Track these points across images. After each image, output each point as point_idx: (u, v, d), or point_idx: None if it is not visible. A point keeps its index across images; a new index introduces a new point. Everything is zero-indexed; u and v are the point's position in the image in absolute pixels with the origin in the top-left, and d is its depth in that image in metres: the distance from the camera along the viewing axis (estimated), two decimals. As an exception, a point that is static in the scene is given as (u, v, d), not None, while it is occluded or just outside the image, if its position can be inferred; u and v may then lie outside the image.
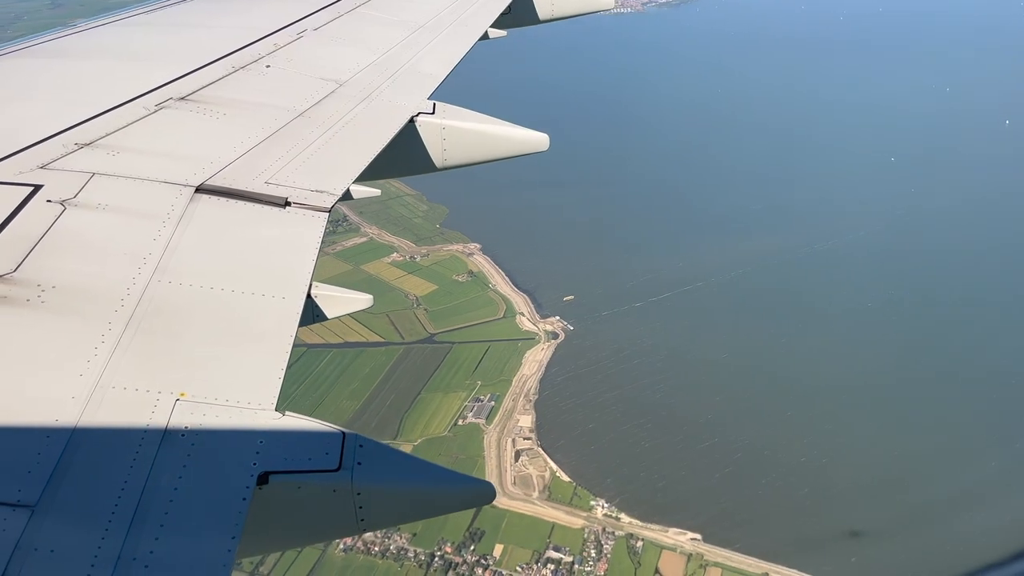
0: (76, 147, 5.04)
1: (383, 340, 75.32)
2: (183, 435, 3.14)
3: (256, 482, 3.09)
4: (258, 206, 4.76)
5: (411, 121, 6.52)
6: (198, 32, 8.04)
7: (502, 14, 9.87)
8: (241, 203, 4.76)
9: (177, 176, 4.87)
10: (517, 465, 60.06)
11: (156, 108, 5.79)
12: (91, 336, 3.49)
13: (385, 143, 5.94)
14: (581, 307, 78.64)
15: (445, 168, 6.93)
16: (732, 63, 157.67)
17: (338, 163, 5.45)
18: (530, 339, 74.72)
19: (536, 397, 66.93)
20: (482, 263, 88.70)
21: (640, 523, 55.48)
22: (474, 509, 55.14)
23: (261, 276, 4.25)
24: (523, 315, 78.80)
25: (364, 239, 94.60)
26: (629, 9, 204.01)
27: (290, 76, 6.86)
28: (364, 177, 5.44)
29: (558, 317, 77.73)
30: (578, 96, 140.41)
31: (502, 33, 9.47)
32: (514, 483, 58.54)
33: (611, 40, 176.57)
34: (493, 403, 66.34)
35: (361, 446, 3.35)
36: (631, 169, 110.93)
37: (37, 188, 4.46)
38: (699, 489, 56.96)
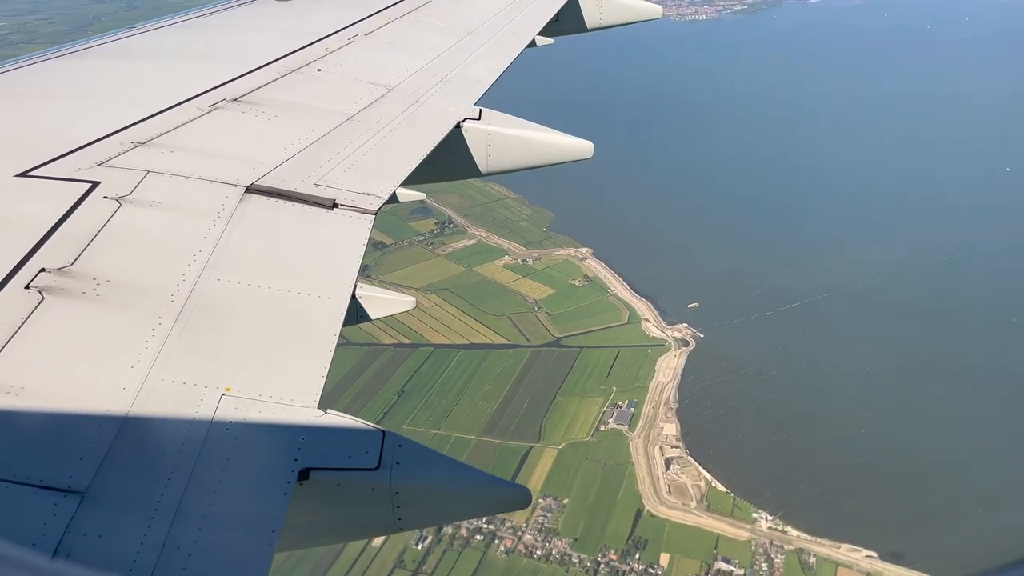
0: (133, 145, 5.16)
1: (509, 342, 76.13)
2: (227, 429, 3.22)
3: (297, 478, 3.13)
4: (306, 207, 4.84)
5: (457, 126, 6.59)
6: (252, 35, 8.17)
7: (550, 22, 9.89)
8: (290, 204, 4.84)
9: (228, 176, 4.97)
10: (669, 474, 59.76)
11: (210, 109, 5.90)
12: (142, 330, 3.59)
13: (431, 148, 6.00)
14: (708, 315, 77.96)
15: (489, 174, 6.96)
16: (823, 68, 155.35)
17: (385, 166, 5.53)
18: (660, 346, 74.48)
19: (677, 405, 66.53)
20: (596, 267, 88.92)
21: (809, 537, 54.34)
22: (632, 517, 55.18)
23: (307, 276, 4.34)
24: (648, 321, 78.62)
25: (473, 241, 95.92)
26: (704, 17, 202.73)
27: (340, 80, 6.93)
28: (410, 181, 5.51)
29: (686, 324, 77.35)
30: (670, 103, 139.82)
31: (549, 41, 9.49)
32: (669, 492, 58.21)
33: (690, 47, 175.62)
34: (632, 410, 66.21)
35: (400, 446, 3.39)
36: (736, 176, 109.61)
37: (95, 185, 4.59)
38: (865, 504, 55.54)
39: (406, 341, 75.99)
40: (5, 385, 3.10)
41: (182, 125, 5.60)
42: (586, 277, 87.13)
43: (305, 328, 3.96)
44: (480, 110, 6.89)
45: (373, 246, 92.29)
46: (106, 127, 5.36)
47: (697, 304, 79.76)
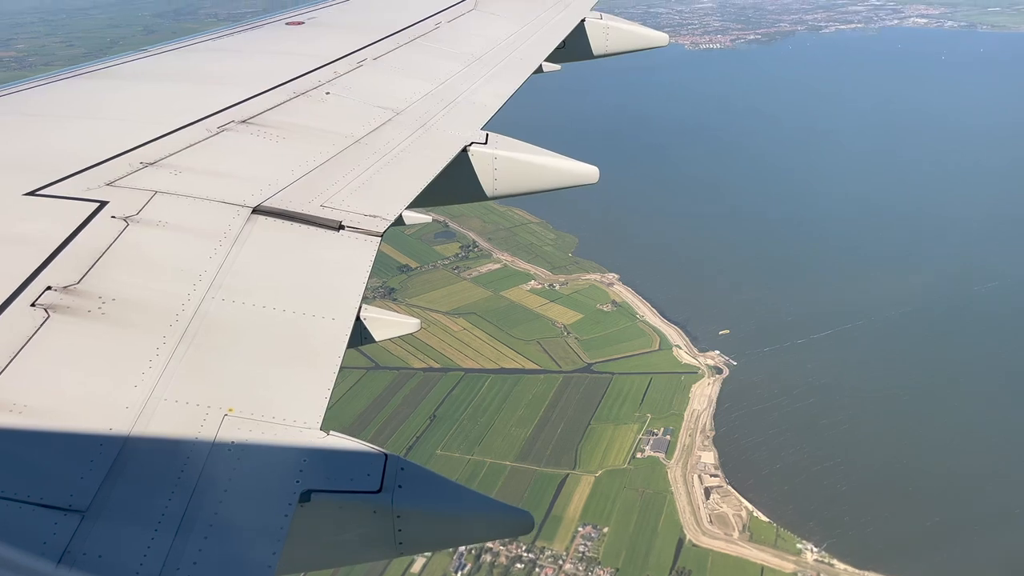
0: (141, 166, 5.20)
1: (539, 367, 75.72)
2: (229, 450, 3.21)
3: (298, 500, 3.12)
4: (313, 228, 4.87)
5: (464, 150, 6.63)
6: (262, 59, 8.25)
7: (556, 48, 9.97)
8: (296, 225, 4.87)
9: (235, 197, 4.99)
10: (709, 503, 58.87)
11: (218, 130, 5.94)
12: (147, 348, 3.59)
13: (438, 171, 6.04)
14: (739, 342, 77.39)
15: (495, 197, 7.01)
16: (839, 96, 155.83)
17: (392, 189, 5.56)
18: (693, 373, 73.78)
19: (713, 433, 65.77)
20: (624, 293, 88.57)
21: (856, 570, 53.24)
22: (674, 547, 54.41)
23: (313, 297, 4.34)
24: (680, 348, 78.01)
25: (498, 265, 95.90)
26: (718, 46, 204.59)
27: (349, 103, 7.00)
28: (417, 203, 5.53)
29: (718, 351, 76.63)
30: (690, 130, 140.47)
31: (556, 67, 9.54)
32: (711, 521, 57.35)
33: (707, 74, 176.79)
34: (669, 437, 65.56)
35: (403, 469, 3.37)
36: (758, 201, 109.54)
37: (103, 204, 4.62)
38: (912, 536, 54.54)
39: (436, 365, 75.82)
40: (8, 403, 3.11)
41: (191, 146, 5.64)
42: (614, 302, 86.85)
43: (309, 349, 3.96)
44: (487, 134, 6.93)
45: (398, 269, 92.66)
46: (115, 147, 5.42)
47: (728, 331, 79.20)
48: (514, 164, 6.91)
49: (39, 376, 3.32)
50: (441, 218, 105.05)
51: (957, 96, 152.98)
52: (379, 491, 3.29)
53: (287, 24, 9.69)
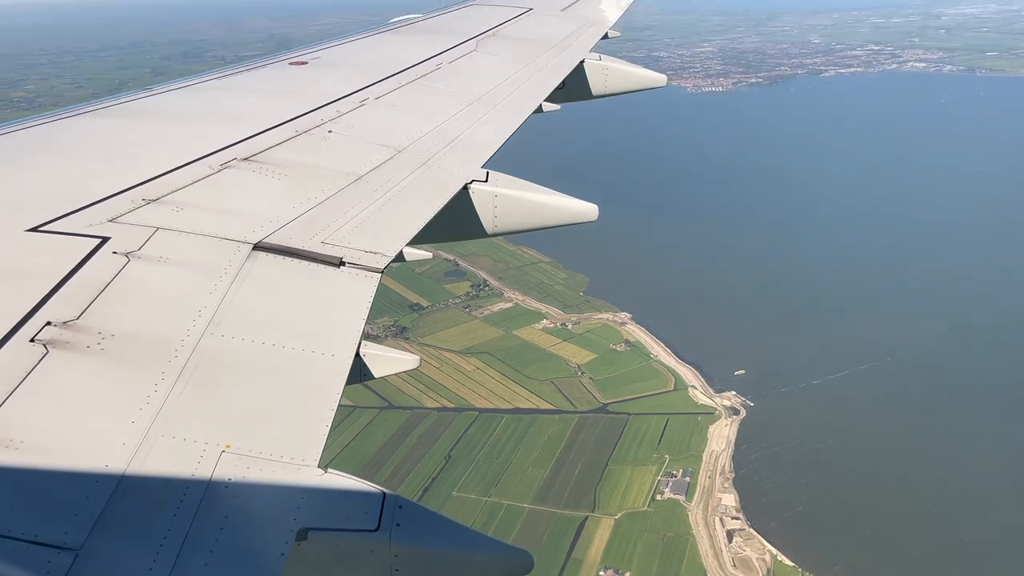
0: (143, 202, 5.23)
1: (554, 408, 75.15)
2: (226, 487, 3.19)
3: (295, 538, 3.10)
4: (313, 265, 4.89)
5: (464, 188, 6.68)
6: (265, 97, 8.36)
7: (556, 89, 10.11)
8: (297, 261, 4.89)
9: (236, 233, 5.02)
10: (732, 546, 57.86)
11: (221, 167, 5.99)
12: (145, 385, 3.58)
13: (439, 208, 6.09)
14: (755, 382, 76.93)
15: (495, 234, 7.06)
16: (842, 139, 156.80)
17: (393, 226, 5.59)
18: (709, 414, 73.19)
19: (733, 475, 65.00)
20: (637, 332, 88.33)
21: None
22: None
23: (312, 333, 4.33)
24: (695, 388, 77.45)
25: (509, 304, 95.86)
26: (720, 88, 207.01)
27: (351, 141, 7.07)
28: (417, 240, 5.56)
29: (734, 392, 76.10)
30: (696, 170, 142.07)
31: (556, 107, 9.67)
32: (734, 565, 56.41)
33: (710, 116, 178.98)
34: (688, 479, 64.80)
35: (401, 507, 3.34)
36: (767, 241, 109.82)
37: (105, 240, 4.65)
38: None
39: (450, 405, 75.35)
40: (4, 439, 3.09)
41: (193, 183, 5.68)
42: (627, 342, 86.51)
43: (308, 386, 3.95)
44: (487, 172, 6.99)
45: (409, 307, 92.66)
46: (118, 184, 5.46)
47: (743, 371, 78.75)
48: (514, 201, 6.97)
49: (36, 412, 3.30)
50: (451, 257, 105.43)
51: (960, 140, 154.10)
52: (376, 529, 3.25)
53: (290, 64, 9.81)
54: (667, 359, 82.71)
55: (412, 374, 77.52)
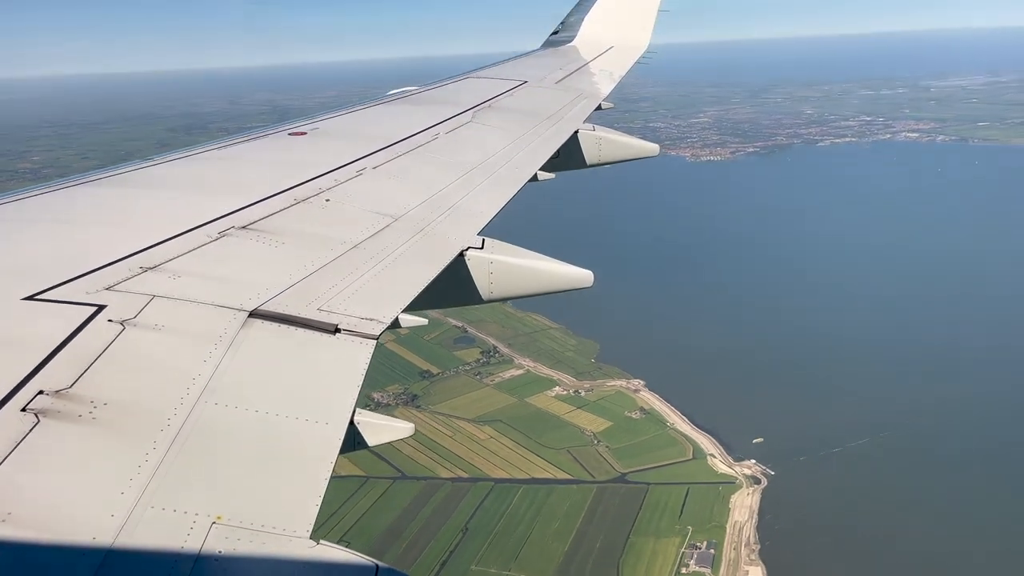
0: (141, 270, 5.25)
1: (572, 478, 73.90)
2: (216, 560, 3.12)
3: None
4: (309, 332, 4.86)
5: (460, 255, 6.74)
6: (264, 167, 8.44)
7: (551, 158, 10.27)
8: (292, 328, 4.87)
9: (232, 301, 5.02)
10: (763, 621, 55.80)
11: (218, 236, 6.03)
12: (136, 454, 3.54)
13: (435, 275, 6.12)
14: (774, 450, 76.05)
15: (491, 300, 7.08)
16: (851, 205, 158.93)
17: (389, 293, 5.60)
18: (730, 483, 72.09)
19: (758, 546, 63.47)
20: (651, 400, 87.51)
21: None
22: None
23: (306, 401, 4.30)
24: (714, 456, 76.50)
25: (521, 371, 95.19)
26: (718, 158, 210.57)
27: (348, 210, 7.13)
28: (413, 307, 5.57)
29: (753, 460, 75.18)
30: (700, 237, 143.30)
31: (551, 176, 9.82)
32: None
33: (709, 185, 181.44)
34: (713, 551, 63.26)
35: None
36: (776, 307, 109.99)
37: (101, 308, 4.65)
38: None
39: (464, 475, 74.18)
40: None
41: (191, 251, 5.72)
42: (642, 409, 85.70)
43: (301, 455, 3.91)
44: (483, 239, 7.06)
45: (420, 375, 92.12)
46: (116, 252, 5.49)
47: (761, 439, 77.87)
48: (510, 268, 7.03)
49: (24, 483, 3.26)
50: (459, 323, 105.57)
51: (961, 209, 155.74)
52: None
53: (289, 134, 9.95)
54: (683, 427, 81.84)
55: (425, 443, 76.76)
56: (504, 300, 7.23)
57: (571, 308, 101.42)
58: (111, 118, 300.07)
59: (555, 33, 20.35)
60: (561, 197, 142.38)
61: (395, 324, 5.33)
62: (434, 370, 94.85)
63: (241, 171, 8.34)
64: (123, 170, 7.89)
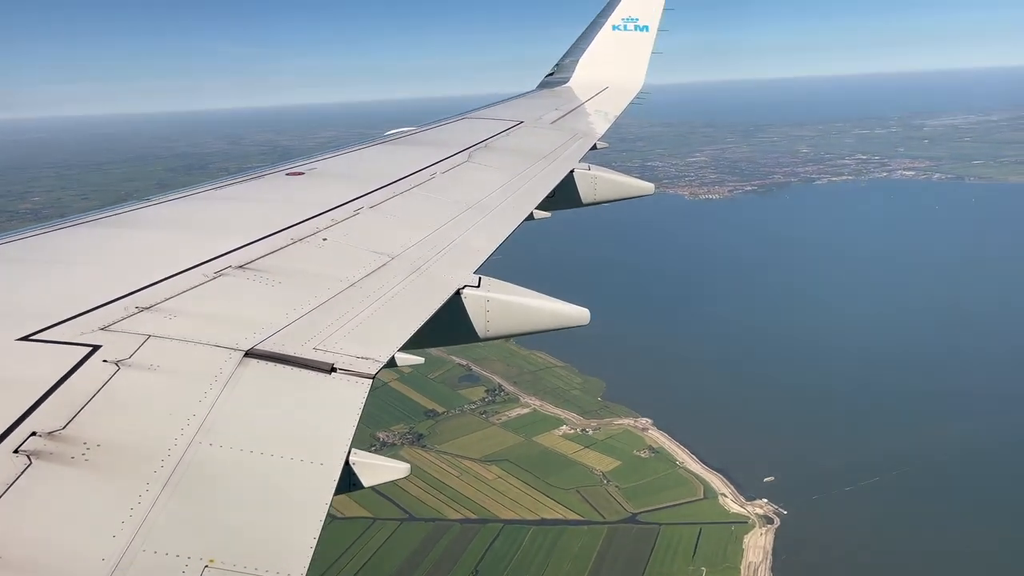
0: (137, 310, 5.23)
1: (582, 518, 72.65)
2: None
3: None
4: (304, 371, 4.85)
5: (457, 293, 6.74)
6: (262, 206, 8.48)
7: (547, 197, 10.36)
8: (288, 368, 4.85)
9: (228, 340, 5.00)
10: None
11: (215, 275, 6.03)
12: (128, 496, 3.51)
13: (431, 313, 6.10)
14: (786, 489, 75.18)
15: (487, 338, 7.07)
16: (853, 242, 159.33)
17: (385, 331, 5.59)
18: (743, 523, 71.00)
19: None
20: (659, 438, 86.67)
21: None
22: None
23: (302, 441, 4.27)
24: (726, 496, 75.43)
25: (527, 410, 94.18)
26: (717, 196, 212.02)
27: (345, 249, 7.15)
28: (410, 345, 5.55)
29: (766, 500, 74.22)
30: (703, 274, 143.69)
31: (546, 214, 9.92)
32: None
33: (710, 223, 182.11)
34: None
35: None
36: (782, 344, 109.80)
37: (95, 348, 4.63)
38: None
39: (473, 516, 73.03)
40: None
41: (187, 290, 5.71)
42: (651, 448, 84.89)
43: (296, 496, 3.88)
44: (479, 278, 7.07)
45: (425, 414, 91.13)
46: (112, 292, 5.48)
47: (773, 478, 77.14)
48: (506, 306, 7.02)
49: (16, 526, 3.23)
50: (464, 362, 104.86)
51: (962, 245, 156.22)
52: None
53: (287, 174, 10.00)
54: (693, 466, 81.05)
55: (432, 483, 75.83)
56: (501, 338, 7.22)
57: (576, 346, 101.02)
58: (111, 159, 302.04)
59: (550, 75, 20.61)
60: (565, 236, 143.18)
61: (391, 363, 5.31)
62: (439, 409, 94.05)
63: (239, 211, 8.37)
64: (120, 210, 7.93)
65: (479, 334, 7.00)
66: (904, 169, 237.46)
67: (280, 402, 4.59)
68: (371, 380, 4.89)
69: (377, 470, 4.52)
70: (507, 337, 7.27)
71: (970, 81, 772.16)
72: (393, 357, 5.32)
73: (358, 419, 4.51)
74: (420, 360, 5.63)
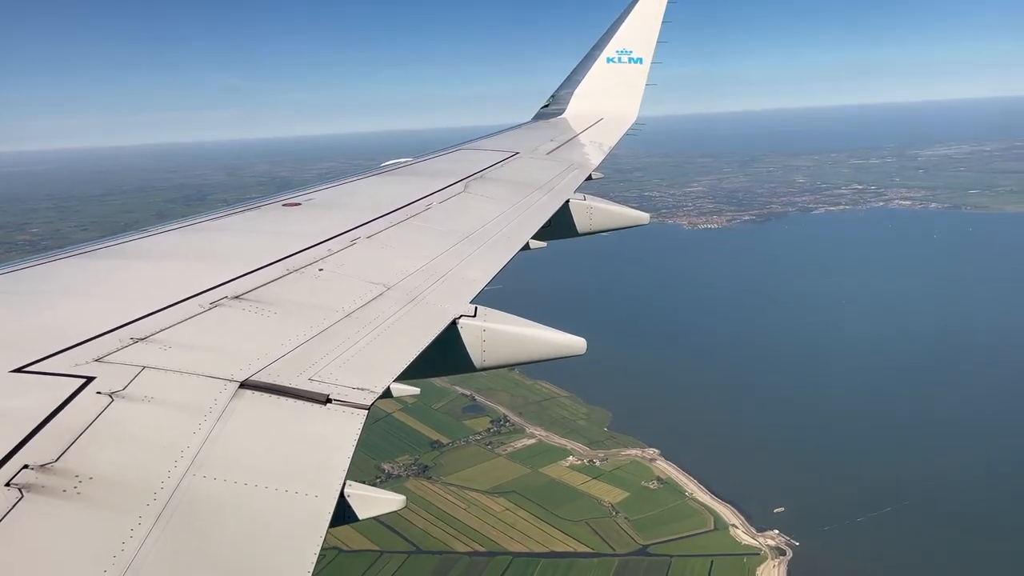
0: (131, 341, 5.20)
1: (592, 551, 71.96)
2: None
3: None
4: (299, 402, 4.81)
5: (453, 323, 6.71)
6: (258, 237, 8.47)
7: (543, 227, 10.41)
8: (283, 399, 4.81)
9: (223, 371, 4.97)
10: None
11: (211, 306, 6.00)
12: (120, 530, 3.47)
13: (427, 344, 6.07)
14: (797, 520, 74.58)
15: (484, 368, 7.04)
16: (856, 270, 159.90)
17: (380, 362, 5.56)
18: (755, 555, 70.57)
19: None
20: (668, 469, 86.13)
21: None
22: None
23: (296, 473, 4.23)
24: (736, 527, 74.89)
25: (533, 441, 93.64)
26: (715, 225, 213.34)
27: (341, 279, 7.13)
28: (405, 376, 5.51)
29: (777, 531, 73.68)
30: (706, 303, 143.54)
31: (542, 244, 9.96)
32: None
33: (714, 252, 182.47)
34: None
35: None
36: (784, 373, 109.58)
37: (89, 380, 4.60)
38: None
39: (481, 549, 72.18)
40: None
41: (182, 321, 5.67)
42: (659, 479, 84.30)
43: (290, 529, 3.84)
44: (476, 307, 7.05)
45: (430, 445, 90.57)
46: (107, 323, 5.45)
47: (783, 509, 76.59)
48: (502, 336, 7.00)
49: (6, 560, 3.18)
50: (468, 392, 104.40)
51: (963, 273, 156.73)
52: None
53: (284, 205, 10.03)
54: (702, 496, 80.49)
55: (439, 515, 75.02)
56: (498, 368, 7.19)
57: (581, 375, 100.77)
58: (110, 190, 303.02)
59: (546, 106, 20.79)
60: (568, 266, 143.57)
61: (387, 393, 5.28)
62: (444, 440, 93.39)
63: (235, 241, 8.36)
64: (115, 241, 7.92)
65: (475, 364, 6.97)
66: (901, 199, 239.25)
67: (275, 434, 4.55)
68: (367, 411, 4.85)
69: (372, 502, 4.47)
70: (503, 367, 7.24)
71: (962, 112, 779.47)
72: (389, 388, 5.29)
73: (353, 450, 4.46)
74: (416, 391, 5.59)
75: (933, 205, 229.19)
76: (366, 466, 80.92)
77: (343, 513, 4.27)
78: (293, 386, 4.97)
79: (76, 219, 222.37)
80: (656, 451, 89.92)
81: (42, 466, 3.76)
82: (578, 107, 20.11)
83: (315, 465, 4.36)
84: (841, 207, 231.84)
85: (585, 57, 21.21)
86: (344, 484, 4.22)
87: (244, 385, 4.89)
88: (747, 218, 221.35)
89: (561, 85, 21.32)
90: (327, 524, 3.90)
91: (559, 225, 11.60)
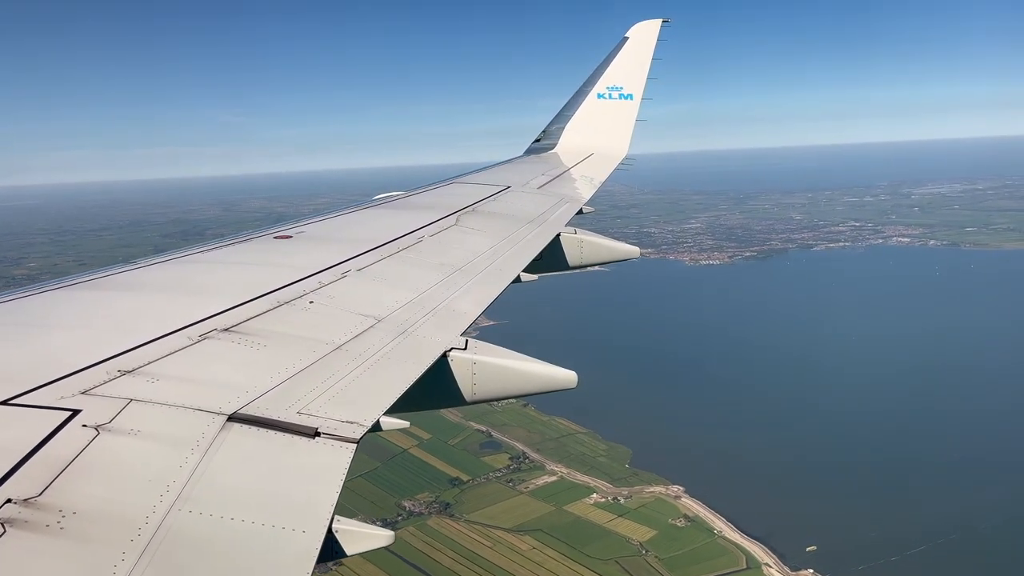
0: (119, 374, 5.16)
1: None
2: None
3: None
4: (288, 436, 4.78)
5: (443, 356, 6.68)
6: (249, 270, 8.44)
7: (534, 259, 10.45)
8: (271, 432, 4.78)
9: (211, 404, 4.93)
10: None
11: (200, 338, 5.95)
12: (103, 567, 3.42)
13: (417, 377, 6.04)
14: (830, 558, 73.22)
15: (474, 402, 6.99)
16: (860, 306, 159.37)
17: (370, 395, 5.53)
18: None
19: None
20: (694, 506, 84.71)
21: None
22: None
23: (284, 507, 4.19)
24: (770, 566, 73.39)
25: (554, 478, 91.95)
26: (717, 262, 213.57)
27: (331, 312, 7.10)
28: (396, 409, 5.48)
29: (811, 570, 72.28)
30: (712, 338, 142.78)
31: (533, 277, 9.99)
32: None
33: (717, 288, 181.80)
34: None
35: None
36: (799, 408, 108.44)
37: (75, 413, 4.55)
38: None
39: None
40: None
41: (171, 354, 5.63)
42: (686, 517, 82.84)
43: (277, 565, 3.79)
44: (466, 340, 7.03)
45: (449, 482, 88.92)
46: (94, 356, 5.41)
47: (815, 547, 75.25)
48: (493, 369, 6.98)
49: None
50: (483, 428, 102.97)
51: (966, 309, 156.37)
52: None
53: (275, 238, 10.03)
54: (731, 534, 79.07)
55: (464, 554, 73.25)
56: (488, 401, 7.14)
57: (597, 411, 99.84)
58: (107, 225, 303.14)
59: (537, 141, 20.94)
60: (571, 301, 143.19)
61: (376, 427, 5.24)
62: (463, 477, 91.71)
63: (225, 274, 8.35)
64: (105, 273, 7.89)
65: (465, 397, 6.93)
66: (899, 236, 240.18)
67: (262, 467, 4.51)
68: (355, 445, 4.81)
69: (360, 537, 4.42)
70: (494, 400, 7.21)
71: (952, 151, 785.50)
72: (378, 421, 5.25)
73: (342, 484, 4.42)
74: (405, 424, 5.55)
75: (932, 242, 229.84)
76: (386, 503, 79.74)
77: (331, 548, 4.22)
78: (282, 419, 4.93)
79: (73, 253, 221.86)
80: (680, 488, 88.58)
81: (26, 500, 3.71)
82: (569, 142, 20.27)
83: (303, 499, 4.31)
84: (841, 244, 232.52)
85: (576, 93, 21.42)
86: (332, 519, 4.17)
87: (232, 418, 4.85)
88: (748, 255, 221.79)
89: (553, 120, 21.49)
90: (315, 560, 3.85)
91: (551, 258, 11.68)
